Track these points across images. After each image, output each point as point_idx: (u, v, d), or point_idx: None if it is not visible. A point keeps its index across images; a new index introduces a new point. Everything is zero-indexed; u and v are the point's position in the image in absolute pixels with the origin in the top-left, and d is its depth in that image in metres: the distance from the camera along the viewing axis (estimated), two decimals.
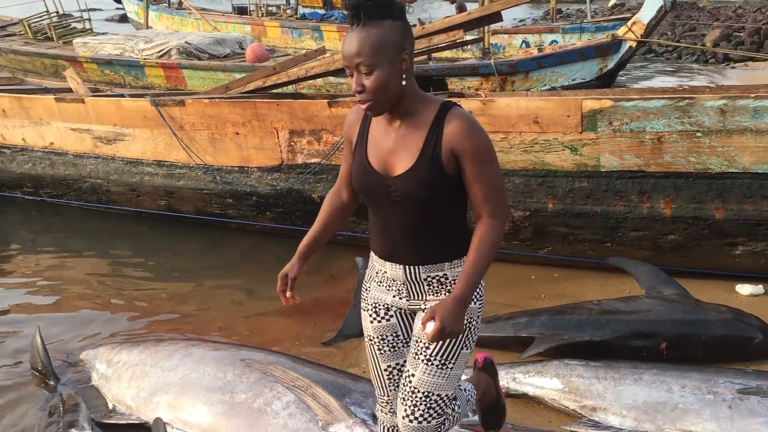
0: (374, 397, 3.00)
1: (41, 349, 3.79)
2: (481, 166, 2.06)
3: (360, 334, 4.13)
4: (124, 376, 3.55)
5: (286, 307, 4.07)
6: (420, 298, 2.24)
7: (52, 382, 3.68)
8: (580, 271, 4.84)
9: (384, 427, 2.48)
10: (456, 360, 2.21)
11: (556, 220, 4.70)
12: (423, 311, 2.23)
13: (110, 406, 3.47)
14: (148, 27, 14.29)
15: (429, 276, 2.18)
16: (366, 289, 2.35)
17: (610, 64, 8.96)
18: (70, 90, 7.11)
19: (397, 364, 2.37)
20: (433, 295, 2.21)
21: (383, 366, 2.38)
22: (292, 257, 2.48)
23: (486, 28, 10.97)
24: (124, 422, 3.31)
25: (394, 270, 2.22)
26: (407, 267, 2.19)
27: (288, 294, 2.40)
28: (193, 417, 3.14)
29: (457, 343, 2.19)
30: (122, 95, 6.36)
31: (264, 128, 5.34)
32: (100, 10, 26.13)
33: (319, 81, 9.91)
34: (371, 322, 2.34)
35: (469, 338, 2.22)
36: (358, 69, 1.99)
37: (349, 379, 3.20)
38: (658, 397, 3.03)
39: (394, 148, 2.11)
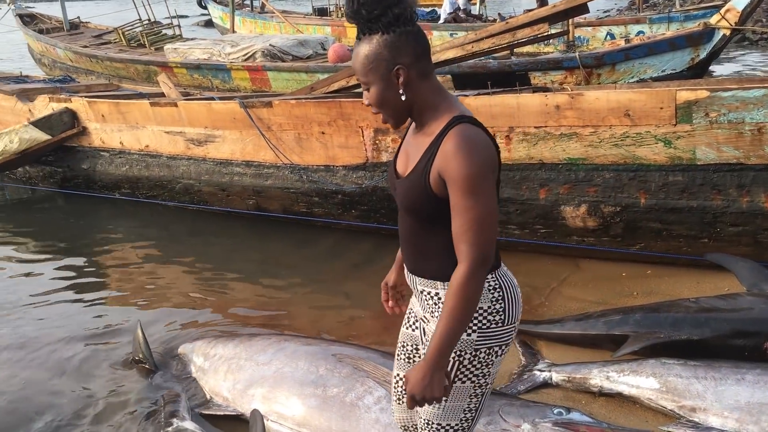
0: None
1: (143, 342, 3.96)
2: (460, 196, 1.87)
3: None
4: (220, 369, 3.67)
5: (373, 302, 4.17)
6: (424, 312, 2.13)
7: (153, 374, 3.85)
8: (674, 268, 4.68)
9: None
10: (453, 395, 2.05)
11: (649, 215, 4.56)
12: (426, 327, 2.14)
13: (208, 397, 3.60)
14: (233, 31, 14.70)
15: (424, 290, 2.08)
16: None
17: (702, 54, 8.60)
18: (162, 94, 7.40)
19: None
20: (430, 313, 2.08)
21: (394, 372, 2.35)
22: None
23: (570, 20, 10.72)
24: (222, 413, 3.42)
25: (406, 275, 2.17)
26: (410, 274, 2.13)
27: (390, 303, 2.41)
28: (287, 410, 3.22)
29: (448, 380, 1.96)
30: (212, 98, 6.56)
31: (349, 127, 5.40)
32: (186, 16, 27.07)
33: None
34: (402, 325, 2.32)
35: (463, 373, 2.02)
36: (363, 84, 1.98)
37: None
38: (763, 397, 2.91)
39: (408, 154, 2.06)
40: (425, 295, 2.08)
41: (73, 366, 4.05)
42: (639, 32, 13.25)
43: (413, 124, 2.07)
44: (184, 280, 5.38)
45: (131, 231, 6.57)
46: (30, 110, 7.03)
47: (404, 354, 2.31)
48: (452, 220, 1.91)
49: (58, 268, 5.70)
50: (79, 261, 5.86)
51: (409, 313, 2.31)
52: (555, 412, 2.83)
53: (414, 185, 1.97)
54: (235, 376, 3.56)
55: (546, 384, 3.52)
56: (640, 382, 3.22)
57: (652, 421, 3.13)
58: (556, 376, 3.50)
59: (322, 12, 20.20)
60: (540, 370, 3.57)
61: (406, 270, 2.16)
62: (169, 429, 3.16)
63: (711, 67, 10.79)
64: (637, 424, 3.12)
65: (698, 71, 8.60)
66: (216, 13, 20.07)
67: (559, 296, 4.56)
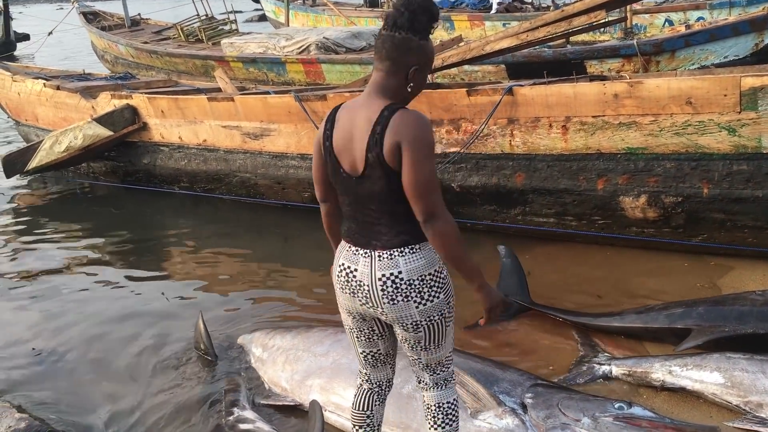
0: (523, 386, 3.00)
1: (204, 332, 4.05)
2: None
3: (504, 320, 4.14)
4: (278, 360, 3.73)
5: None
6: None
7: (213, 363, 3.94)
8: (738, 259, 4.55)
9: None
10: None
11: (712, 206, 4.44)
12: None
13: (267, 387, 3.66)
14: (288, 25, 14.83)
15: None
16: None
17: (767, 39, 8.29)
18: (219, 89, 7.52)
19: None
20: None
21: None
22: None
23: (628, 7, 10.48)
24: (281, 404, 3.47)
25: None
26: None
27: None
28: (344, 401, 3.25)
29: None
30: (267, 92, 6.64)
31: None
32: (241, 12, 27.42)
33: (454, 70, 9.88)
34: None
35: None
36: None
37: (496, 367, 3.19)
38: None
39: None
40: None
41: (138, 355, 4.17)
42: (699, 18, 12.85)
43: None
44: (242, 272, 5.48)
45: (190, 224, 6.72)
46: (93, 107, 7.24)
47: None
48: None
49: (121, 260, 5.87)
50: (141, 253, 6.02)
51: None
52: (616, 406, 2.79)
53: None
54: (293, 366, 3.61)
55: (606, 377, 3.46)
56: (704, 376, 3.15)
57: (716, 416, 3.06)
58: (617, 370, 3.44)
59: (373, 3, 20.20)
60: (599, 363, 3.52)
61: None
62: (231, 418, 3.23)
63: None
64: (701, 419, 3.05)
65: (762, 57, 8.29)
66: (269, 7, 20.27)
67: (618, 288, 4.48)
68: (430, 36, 2.26)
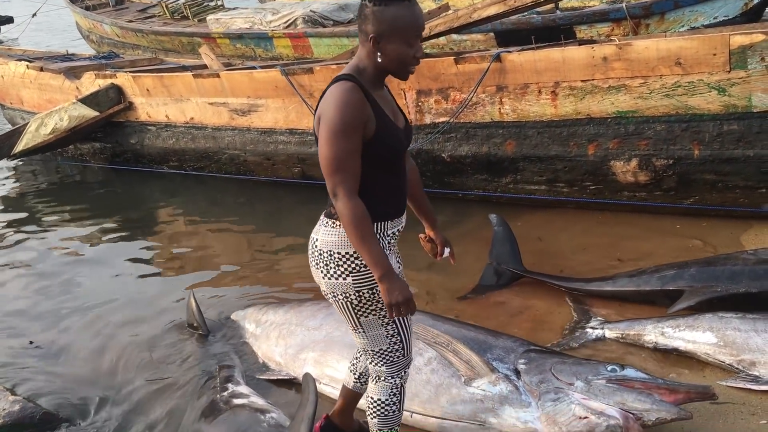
0: (516, 352, 2.99)
1: (196, 309, 4.05)
2: None
3: (497, 288, 4.14)
4: (272, 335, 3.72)
5: (420, 264, 4.17)
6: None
7: (207, 340, 3.93)
8: (731, 220, 4.54)
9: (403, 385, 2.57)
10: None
11: (703, 167, 4.42)
12: (398, 255, 2.52)
13: (261, 362, 3.66)
14: None
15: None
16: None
17: None
18: (205, 66, 7.43)
19: None
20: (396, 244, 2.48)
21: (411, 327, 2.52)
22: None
23: None
24: (275, 378, 3.47)
25: (401, 222, 2.42)
26: (402, 216, 2.42)
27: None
28: (338, 373, 3.24)
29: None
30: (254, 67, 6.57)
31: (391, 90, 5.33)
32: None
33: (442, 40, 9.78)
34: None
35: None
36: (419, 39, 2.21)
37: (489, 335, 3.18)
38: None
39: (394, 108, 2.37)
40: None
41: (131, 334, 4.16)
42: None
43: (374, 91, 2.24)
44: (235, 248, 5.46)
45: (181, 203, 6.67)
46: (77, 88, 7.15)
47: None
48: None
49: (112, 241, 5.84)
50: (132, 234, 5.99)
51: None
52: (609, 369, 2.78)
53: (410, 124, 2.42)
54: (287, 341, 3.60)
55: (599, 341, 3.47)
56: (697, 336, 3.15)
57: (710, 376, 3.07)
58: (610, 333, 3.45)
59: None
60: (593, 328, 3.53)
61: (403, 216, 2.40)
62: (225, 393, 3.22)
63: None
64: (694, 379, 3.05)
65: (753, 17, 8.22)
66: None
67: (611, 253, 4.47)
68: (401, 2, 2.14)
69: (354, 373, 2.76)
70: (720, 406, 2.86)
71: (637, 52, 4.34)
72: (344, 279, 2.30)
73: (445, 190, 5.50)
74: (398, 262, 2.53)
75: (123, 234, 6.00)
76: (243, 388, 3.28)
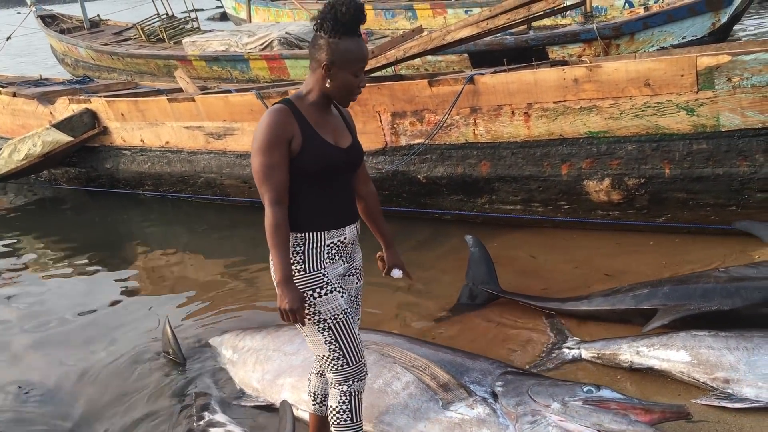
0: (493, 374, 3.00)
1: (171, 336, 4.00)
2: None
3: (474, 309, 4.16)
4: (249, 361, 3.70)
5: (399, 284, 4.18)
6: (353, 256, 2.66)
7: (183, 367, 3.89)
8: (702, 237, 4.61)
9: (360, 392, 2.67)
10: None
11: (674, 185, 4.49)
12: (354, 268, 2.68)
13: (238, 388, 3.63)
14: (250, 21, 14.68)
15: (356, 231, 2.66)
16: (323, 275, 2.51)
17: (724, 18, 8.40)
18: (180, 90, 7.42)
19: (357, 321, 2.72)
20: (357, 250, 2.69)
21: (357, 330, 2.63)
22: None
23: None
24: (252, 404, 3.44)
25: (351, 231, 2.59)
26: (357, 224, 2.62)
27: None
28: None
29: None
30: (229, 91, 6.57)
31: (366, 112, 5.37)
32: (202, 10, 27.08)
33: (417, 61, 9.87)
34: (342, 296, 2.54)
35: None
36: (363, 71, 2.44)
37: (466, 357, 3.19)
38: None
39: (337, 128, 2.54)
40: (358, 232, 2.65)
41: (105, 362, 4.10)
42: None
43: (312, 112, 2.47)
44: (211, 273, 5.42)
45: (157, 227, 6.64)
46: (51, 113, 7.11)
47: (353, 311, 2.65)
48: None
49: (87, 267, 5.78)
50: (107, 258, 5.94)
51: (338, 283, 2.57)
52: (585, 390, 2.80)
53: (359, 145, 2.61)
54: (264, 366, 3.58)
55: (575, 361, 3.49)
56: (671, 355, 3.18)
57: (684, 394, 3.09)
58: (586, 353, 3.47)
59: None
60: (569, 348, 3.55)
61: (351, 227, 2.58)
62: (202, 422, 3.19)
63: (738, 32, 10.55)
64: (669, 398, 3.08)
65: (720, 36, 8.42)
66: (229, 3, 20.01)
67: (586, 272, 4.51)
68: (355, 36, 2.38)
69: (310, 395, 2.87)
70: (695, 424, 2.88)
71: (607, 73, 4.42)
72: (297, 282, 2.48)
73: (422, 210, 5.53)
74: (353, 274, 2.68)
75: (97, 259, 5.93)
76: (219, 417, 3.25)
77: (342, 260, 2.59)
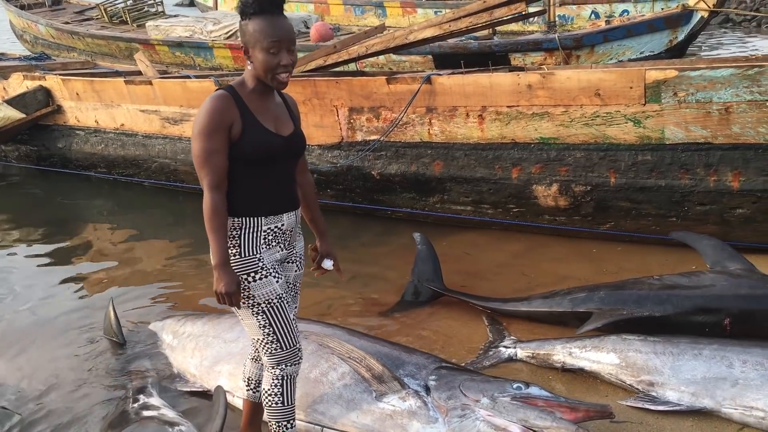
0: (428, 369, 3.05)
1: (114, 318, 3.98)
2: None
3: (418, 305, 4.21)
4: (188, 347, 3.69)
5: (345, 278, 4.23)
6: (293, 243, 2.69)
7: (123, 349, 3.87)
8: (643, 245, 4.74)
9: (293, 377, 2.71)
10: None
11: (619, 194, 4.60)
12: (294, 256, 2.71)
13: (176, 373, 3.62)
14: (216, 9, 14.56)
15: (300, 217, 2.72)
16: (258, 260, 2.54)
17: (681, 36, 8.64)
18: (140, 73, 7.34)
19: (294, 308, 2.76)
20: (298, 237, 2.73)
21: (292, 315, 2.65)
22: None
23: (550, 0, 10.71)
24: (189, 390, 3.44)
25: (290, 218, 2.62)
26: (297, 211, 2.66)
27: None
28: None
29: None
30: (188, 76, 6.53)
31: (324, 106, 5.40)
32: None
33: (382, 59, 9.92)
34: (277, 281, 2.58)
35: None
36: (289, 47, 2.42)
37: (403, 351, 3.23)
38: (718, 372, 2.96)
39: (279, 116, 2.57)
40: (298, 220, 2.70)
41: (45, 341, 4.06)
42: (624, 11, 13.24)
43: (254, 99, 2.49)
44: (160, 258, 5.38)
45: (107, 209, 6.56)
46: (4, 88, 6.97)
47: (289, 296, 2.69)
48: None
49: (32, 245, 5.69)
50: (55, 238, 5.85)
51: (274, 268, 2.58)
52: (514, 387, 2.87)
53: (302, 134, 2.64)
54: (203, 353, 3.58)
55: (511, 360, 3.56)
56: (601, 357, 3.27)
57: (612, 395, 3.18)
58: (521, 353, 3.54)
59: None
60: (506, 347, 3.62)
61: (289, 214, 2.61)
62: (136, 405, 3.18)
63: (692, 49, 10.81)
64: (598, 398, 3.16)
65: (677, 53, 8.65)
66: None
67: (530, 274, 4.60)
68: (268, 14, 2.39)
69: (244, 381, 2.89)
70: (619, 425, 2.98)
71: (560, 81, 4.51)
72: (234, 264, 2.52)
73: (374, 206, 5.57)
74: (292, 261, 2.72)
75: (44, 238, 5.85)
76: (155, 400, 3.24)
77: (280, 246, 2.62)
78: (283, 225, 2.60)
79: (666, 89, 4.24)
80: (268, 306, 2.55)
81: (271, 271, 2.55)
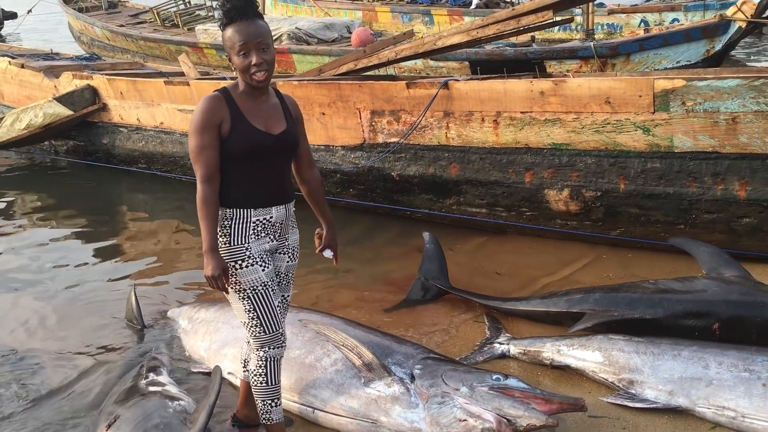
0: (415, 358, 3.21)
1: (135, 304, 4.25)
2: (304, 133, 2.94)
3: (422, 302, 4.36)
4: (200, 331, 3.93)
5: (358, 277, 4.43)
6: (285, 235, 2.87)
7: (141, 333, 4.14)
8: (653, 252, 4.79)
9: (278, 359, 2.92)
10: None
11: (628, 201, 4.67)
12: (286, 247, 2.90)
13: (187, 355, 3.87)
14: (265, 14, 14.92)
15: (293, 211, 2.91)
16: (246, 249, 2.74)
17: (718, 46, 8.55)
18: (183, 74, 7.68)
19: (282, 297, 2.94)
20: (291, 230, 2.92)
21: (276, 302, 2.84)
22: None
23: (588, 8, 10.71)
24: (197, 370, 3.69)
25: (279, 212, 2.81)
26: (287, 205, 2.84)
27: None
28: None
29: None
30: (224, 78, 6.82)
31: (347, 109, 5.60)
32: None
33: (420, 65, 10.09)
34: (263, 270, 2.78)
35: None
36: (259, 47, 2.62)
37: (394, 341, 3.40)
38: (695, 372, 3.04)
39: (271, 115, 2.76)
40: (292, 216, 2.91)
41: (73, 321, 4.39)
42: (674, 20, 13.09)
43: (244, 98, 2.70)
44: (189, 250, 5.66)
45: (146, 202, 6.91)
46: (55, 86, 7.39)
47: (275, 284, 2.88)
48: (302, 144, 2.91)
49: (73, 235, 6.06)
50: (91, 226, 6.25)
51: (261, 257, 2.78)
52: (493, 377, 3.00)
53: (295, 132, 2.83)
54: (212, 337, 3.81)
55: (504, 356, 3.69)
56: (587, 355, 3.38)
57: (595, 392, 3.29)
58: (514, 349, 3.67)
59: None
60: (500, 343, 3.75)
61: (278, 207, 2.79)
62: (145, 381, 3.41)
63: (730, 59, 10.66)
64: (581, 394, 3.25)
65: (713, 63, 8.56)
66: None
67: (538, 277, 4.70)
68: (241, 20, 2.62)
69: (242, 363, 3.09)
70: (597, 419, 3.09)
71: (571, 89, 4.61)
72: (222, 252, 2.73)
73: (394, 206, 5.74)
74: (284, 252, 2.91)
75: (81, 226, 6.25)
76: (163, 378, 3.47)
77: (269, 237, 2.81)
78: (272, 217, 2.79)
79: (674, 98, 4.31)
80: (254, 292, 2.76)
81: (258, 259, 2.76)
